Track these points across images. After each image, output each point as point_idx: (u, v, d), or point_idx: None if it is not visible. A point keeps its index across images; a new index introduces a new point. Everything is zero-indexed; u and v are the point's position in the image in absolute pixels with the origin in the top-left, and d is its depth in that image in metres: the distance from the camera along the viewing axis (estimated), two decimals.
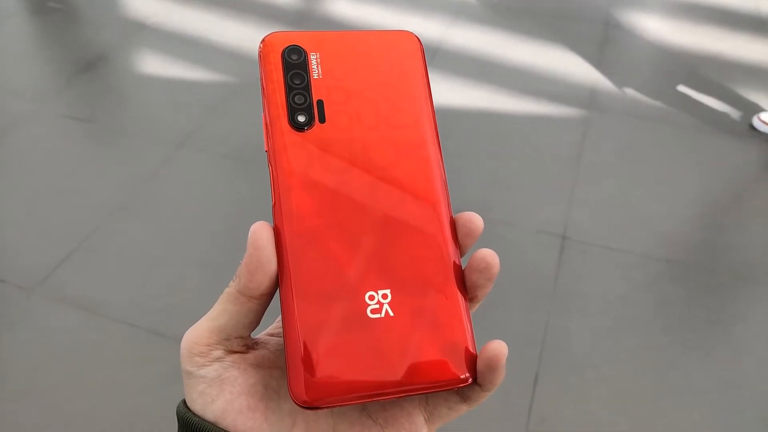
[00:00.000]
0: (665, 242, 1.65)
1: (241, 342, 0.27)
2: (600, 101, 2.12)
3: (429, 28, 2.44)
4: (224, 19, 2.46)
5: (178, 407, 0.27)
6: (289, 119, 0.28)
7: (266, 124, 0.28)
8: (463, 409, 0.28)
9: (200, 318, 0.28)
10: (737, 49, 2.34)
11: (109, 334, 1.38)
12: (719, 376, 1.36)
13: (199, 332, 0.27)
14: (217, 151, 1.87)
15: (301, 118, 0.28)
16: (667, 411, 1.30)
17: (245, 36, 2.36)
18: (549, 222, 1.68)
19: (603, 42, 2.42)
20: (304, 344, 0.25)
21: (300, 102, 0.28)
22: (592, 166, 1.86)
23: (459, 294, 0.27)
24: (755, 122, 2.01)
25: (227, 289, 0.27)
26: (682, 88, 2.18)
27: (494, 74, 2.23)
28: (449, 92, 2.12)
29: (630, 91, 2.17)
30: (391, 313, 0.26)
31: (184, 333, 0.27)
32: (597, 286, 1.54)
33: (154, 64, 2.23)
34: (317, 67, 0.29)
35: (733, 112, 2.09)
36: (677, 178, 1.86)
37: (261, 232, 0.26)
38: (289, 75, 0.29)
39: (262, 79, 0.29)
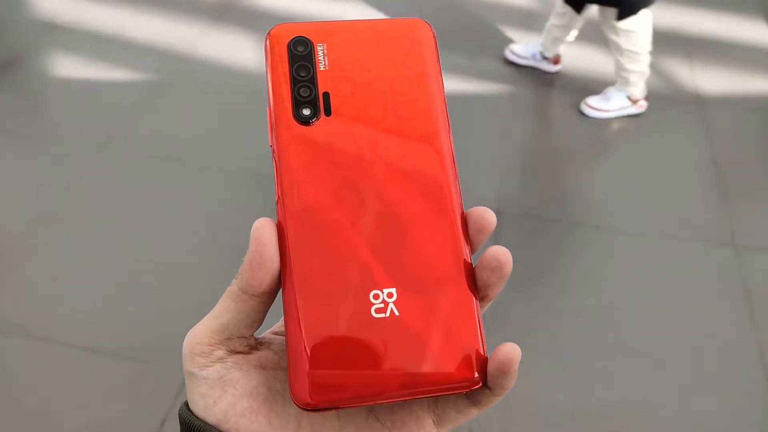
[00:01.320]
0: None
1: (243, 342, 0.27)
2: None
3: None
4: (141, 14, 2.36)
5: (180, 409, 0.27)
6: (293, 113, 0.27)
7: (271, 118, 0.27)
8: (473, 412, 0.27)
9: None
10: (729, 31, 2.44)
11: (31, 355, 1.32)
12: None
13: (200, 331, 0.26)
14: (142, 152, 1.81)
15: (306, 112, 0.27)
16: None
17: (164, 31, 2.28)
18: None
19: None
20: (306, 344, 0.24)
21: (305, 95, 0.27)
22: (518, 139, 1.90)
23: (469, 293, 0.26)
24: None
25: (229, 288, 0.26)
26: (672, 67, 2.23)
27: None
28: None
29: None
30: (397, 313, 0.25)
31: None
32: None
33: (69, 66, 2.13)
34: (324, 58, 0.28)
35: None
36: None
37: (264, 229, 0.25)
38: (294, 67, 0.28)
39: (267, 72, 0.28)
